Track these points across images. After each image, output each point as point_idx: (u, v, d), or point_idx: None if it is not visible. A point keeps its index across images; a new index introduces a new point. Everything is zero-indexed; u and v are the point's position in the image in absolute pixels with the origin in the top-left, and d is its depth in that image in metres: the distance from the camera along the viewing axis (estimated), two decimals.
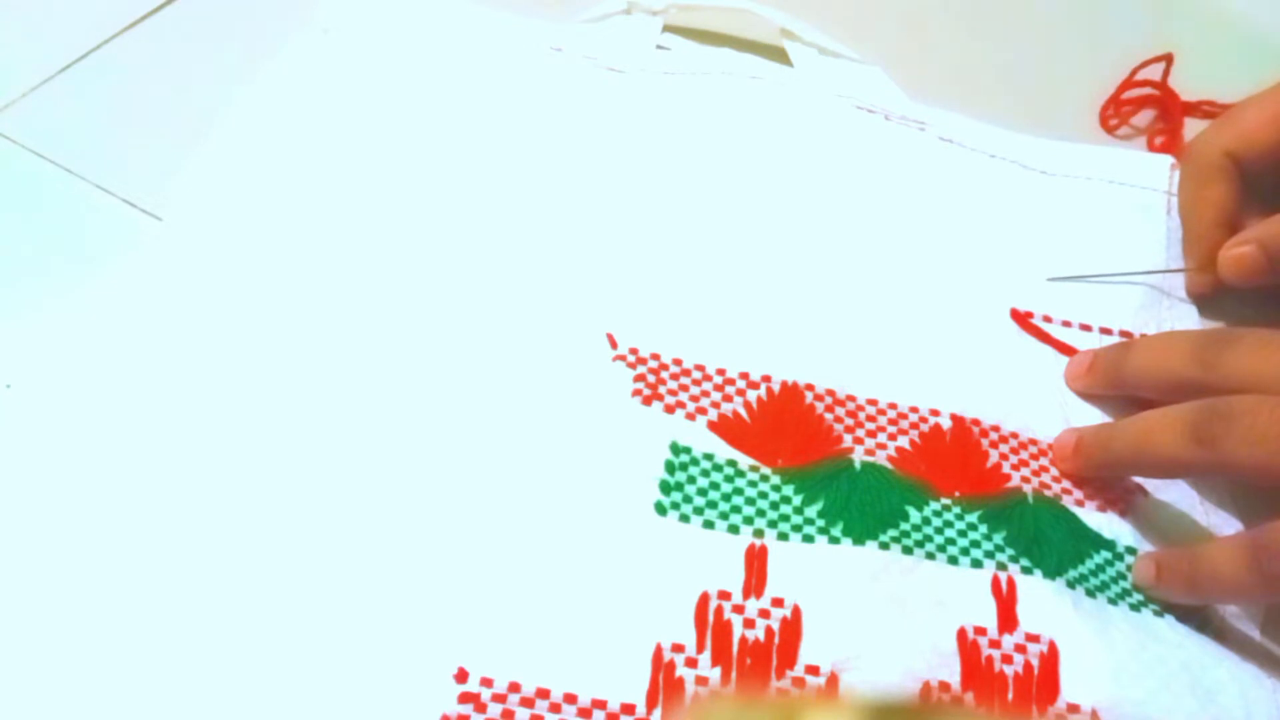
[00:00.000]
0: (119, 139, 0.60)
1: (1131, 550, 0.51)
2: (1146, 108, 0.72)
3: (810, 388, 0.54)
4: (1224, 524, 0.53)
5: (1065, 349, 0.58)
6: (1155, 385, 0.53)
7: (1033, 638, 0.46)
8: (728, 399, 0.53)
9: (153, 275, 0.53)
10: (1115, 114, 0.71)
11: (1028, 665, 0.46)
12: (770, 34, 0.70)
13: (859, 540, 0.48)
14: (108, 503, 0.46)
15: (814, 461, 0.51)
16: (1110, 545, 0.51)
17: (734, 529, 0.48)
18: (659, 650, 0.45)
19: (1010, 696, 0.45)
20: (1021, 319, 0.59)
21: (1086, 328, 0.60)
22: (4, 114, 0.60)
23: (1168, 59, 0.70)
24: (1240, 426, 0.47)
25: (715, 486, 0.50)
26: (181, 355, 0.50)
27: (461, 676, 0.43)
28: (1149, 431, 0.51)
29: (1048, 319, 0.59)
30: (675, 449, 0.51)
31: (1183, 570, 0.49)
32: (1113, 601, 0.49)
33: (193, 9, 0.67)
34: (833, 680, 0.44)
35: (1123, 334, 0.60)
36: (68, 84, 0.62)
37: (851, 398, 0.54)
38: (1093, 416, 0.56)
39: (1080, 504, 0.52)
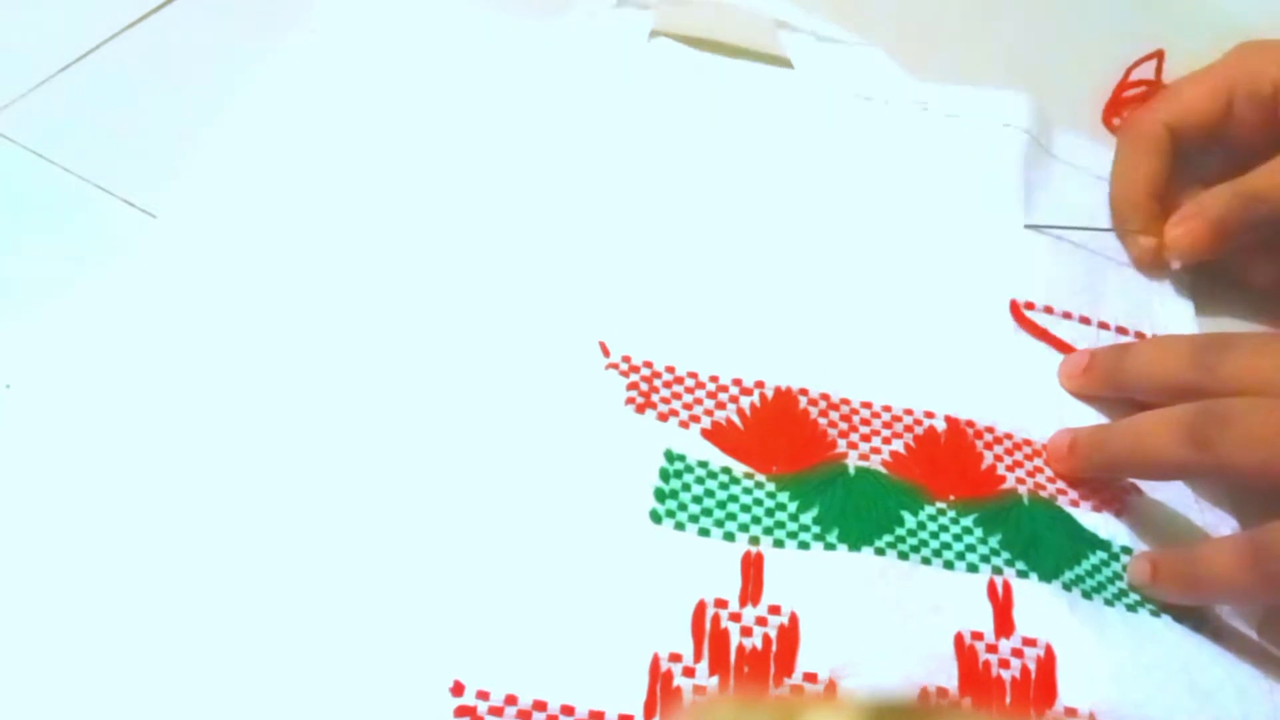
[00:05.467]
0: (119, 139, 0.60)
1: (1127, 550, 0.51)
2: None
3: (804, 392, 0.54)
4: (1219, 523, 0.53)
5: (1062, 346, 0.58)
6: (1153, 388, 0.53)
7: (1030, 641, 0.46)
8: (721, 406, 0.53)
9: (152, 275, 0.53)
10: (1117, 114, 0.71)
11: (1025, 669, 0.46)
12: (764, 28, 0.69)
13: (855, 546, 0.48)
14: (107, 504, 0.46)
15: (808, 467, 0.51)
16: (1106, 545, 0.51)
17: (729, 536, 0.48)
18: (656, 660, 0.45)
19: (1008, 701, 0.45)
20: (1019, 311, 0.59)
21: (1086, 320, 0.60)
22: (4, 114, 0.60)
23: (1159, 55, 0.70)
24: (1236, 428, 0.47)
25: (710, 494, 0.50)
26: (181, 356, 0.51)
27: (457, 690, 0.43)
28: (1144, 433, 0.51)
29: (1049, 310, 0.59)
30: (669, 456, 0.50)
31: (1180, 570, 0.49)
32: (1109, 602, 0.49)
33: (192, 10, 0.67)
34: (831, 687, 0.44)
35: (1119, 330, 0.60)
36: (68, 84, 0.62)
37: (845, 401, 0.54)
38: (1088, 417, 0.56)
39: (1075, 504, 0.52)
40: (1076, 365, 0.57)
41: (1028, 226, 0.63)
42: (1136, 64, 0.71)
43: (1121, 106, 0.71)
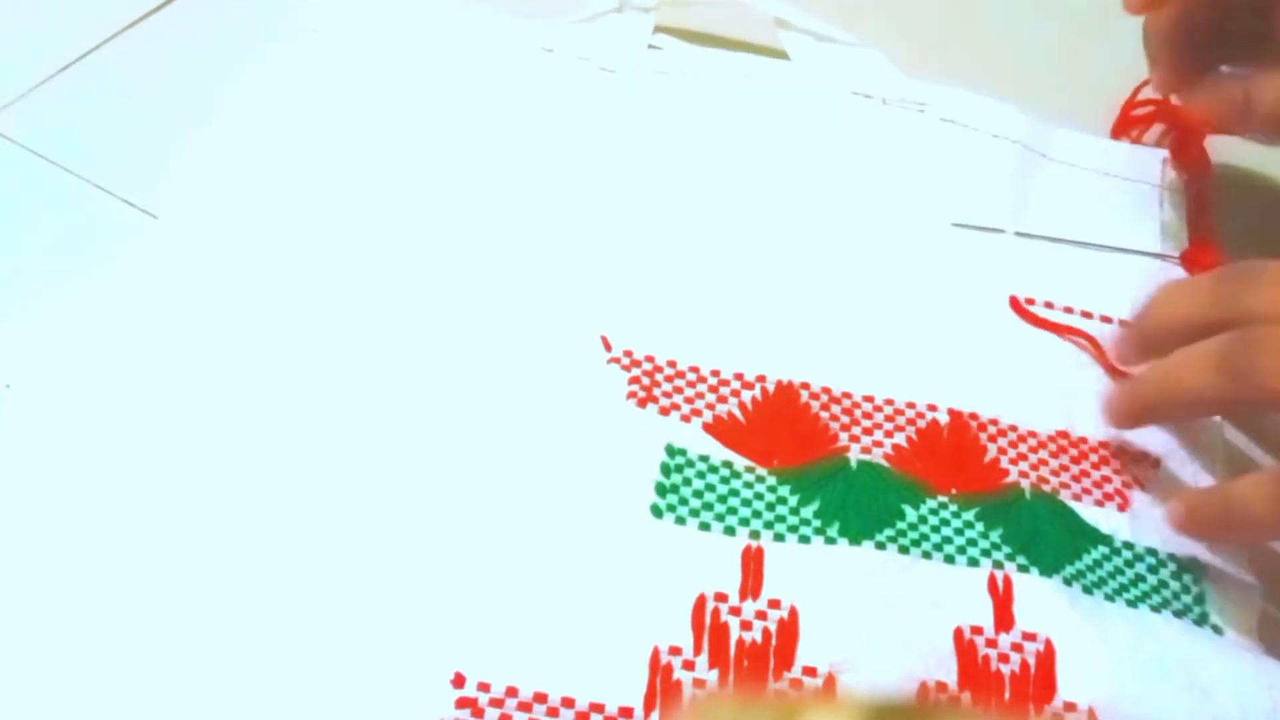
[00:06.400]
0: (119, 139, 0.60)
1: (1129, 546, 0.51)
2: (1157, 122, 0.70)
3: (805, 386, 0.54)
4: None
5: (1065, 330, 0.58)
6: (1179, 332, 0.52)
7: (1029, 636, 0.46)
8: (723, 400, 0.53)
9: (153, 275, 0.53)
10: (1126, 132, 0.69)
11: (1024, 664, 0.46)
12: (763, 31, 0.70)
13: (855, 540, 0.48)
14: (107, 504, 0.46)
15: (810, 461, 0.51)
16: (1107, 540, 0.51)
17: (730, 530, 0.49)
18: (656, 653, 0.45)
19: (1007, 696, 0.45)
20: (1020, 306, 0.59)
21: (1087, 315, 0.59)
22: (4, 114, 0.60)
23: None
24: (1270, 355, 0.47)
25: (711, 488, 0.50)
26: (181, 356, 0.51)
27: (458, 681, 0.43)
28: (1177, 369, 0.50)
29: (1049, 305, 0.59)
30: (670, 451, 0.51)
31: (1213, 509, 0.49)
32: (1109, 598, 0.49)
33: (192, 9, 0.67)
34: (830, 682, 0.45)
35: (1122, 324, 0.59)
36: (68, 84, 0.62)
37: (847, 395, 0.54)
38: (1094, 407, 0.56)
39: (1078, 499, 0.52)
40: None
41: (1018, 234, 0.62)
42: (1144, 84, 0.69)
43: (1131, 125, 0.70)
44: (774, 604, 0.46)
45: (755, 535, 0.49)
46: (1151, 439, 0.55)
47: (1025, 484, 0.52)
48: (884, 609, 0.46)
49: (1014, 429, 0.54)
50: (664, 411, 0.52)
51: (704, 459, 0.51)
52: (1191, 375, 0.49)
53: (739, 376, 0.54)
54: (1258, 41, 0.60)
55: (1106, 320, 0.59)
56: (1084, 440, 0.55)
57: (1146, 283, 0.61)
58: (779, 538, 0.49)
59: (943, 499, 0.51)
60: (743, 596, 0.47)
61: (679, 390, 0.53)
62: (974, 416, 0.54)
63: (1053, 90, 0.69)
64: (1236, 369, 0.48)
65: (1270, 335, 0.47)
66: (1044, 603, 0.47)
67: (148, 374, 0.50)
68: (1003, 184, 0.64)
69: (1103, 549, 0.51)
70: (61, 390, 0.49)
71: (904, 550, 0.48)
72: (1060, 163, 0.66)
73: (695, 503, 0.49)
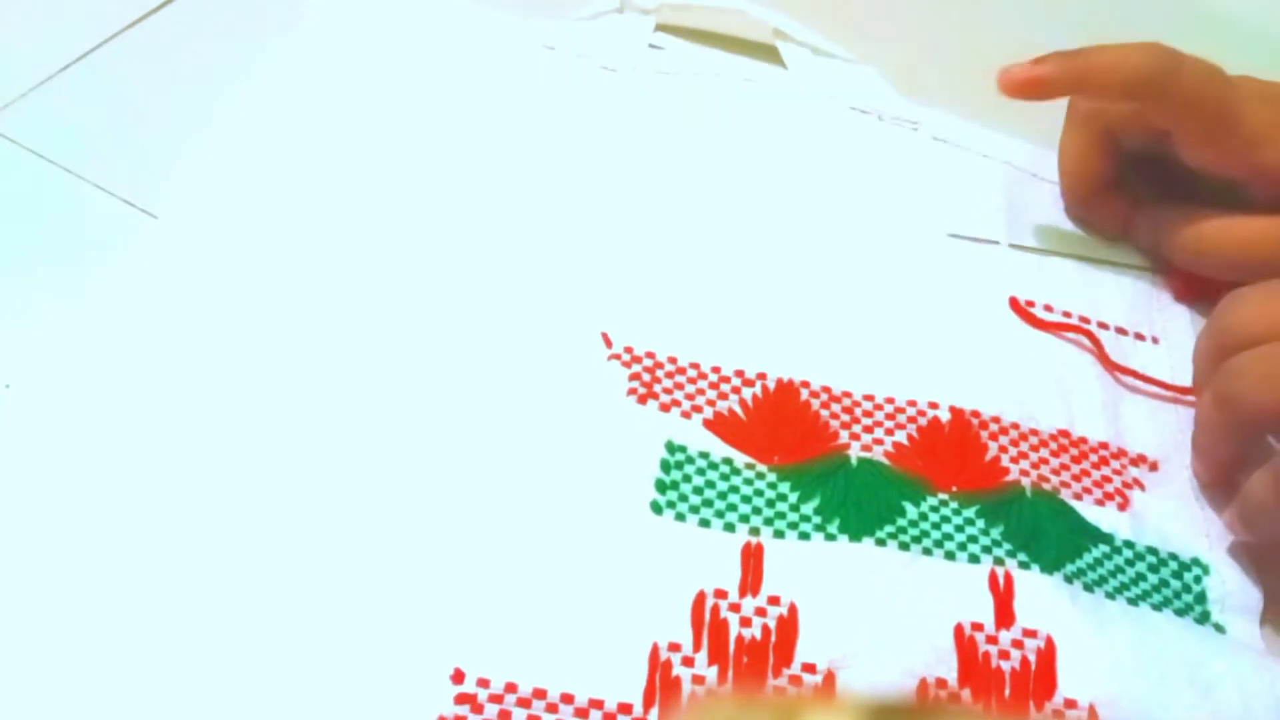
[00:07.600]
0: (119, 139, 0.60)
1: (1130, 544, 0.51)
2: None
3: (805, 385, 0.54)
4: (1218, 519, 0.53)
5: (1066, 329, 0.58)
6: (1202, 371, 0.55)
7: (1030, 633, 0.46)
8: (723, 397, 0.53)
9: (153, 275, 0.53)
10: None
11: (1025, 661, 0.46)
12: (763, 34, 0.70)
13: (855, 537, 0.48)
14: (107, 502, 0.46)
15: (810, 458, 0.51)
16: (1109, 539, 0.51)
17: (730, 527, 0.48)
18: (655, 649, 0.45)
19: (1007, 693, 0.45)
20: (1020, 307, 0.59)
21: (1085, 320, 0.60)
22: (4, 114, 0.60)
23: None
24: (1246, 379, 0.50)
25: (711, 485, 0.50)
26: (180, 356, 0.51)
27: (458, 677, 0.43)
28: (1199, 410, 0.54)
29: (1048, 308, 0.59)
30: (671, 447, 0.51)
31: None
32: (1110, 596, 0.49)
33: (192, 9, 0.67)
34: (829, 678, 0.44)
35: (1118, 330, 0.60)
36: (68, 84, 0.62)
37: (848, 394, 0.54)
38: (1095, 402, 0.56)
39: (1078, 497, 0.52)
40: None
41: (1012, 246, 0.63)
42: None
43: None
44: (773, 600, 0.46)
45: (755, 532, 0.48)
46: (1151, 440, 0.56)
47: (1026, 482, 0.52)
48: (884, 605, 0.46)
49: (1015, 427, 0.54)
50: (664, 408, 0.52)
51: (704, 455, 0.51)
52: (1204, 414, 0.53)
53: (739, 374, 0.54)
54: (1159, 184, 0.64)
55: (1104, 326, 0.60)
56: (1084, 440, 0.55)
57: (1137, 294, 0.62)
58: (779, 534, 0.49)
59: (943, 496, 0.51)
60: (742, 593, 0.47)
61: (679, 387, 0.53)
62: (975, 414, 0.54)
63: (1042, 113, 0.69)
64: (1223, 398, 0.51)
65: (1245, 360, 0.49)
66: (1045, 600, 0.47)
67: (147, 374, 0.50)
68: (995, 200, 0.65)
69: (1103, 547, 0.51)
70: (61, 390, 0.49)
71: (904, 547, 0.48)
72: (1049, 182, 0.66)
73: (695, 499, 0.49)
